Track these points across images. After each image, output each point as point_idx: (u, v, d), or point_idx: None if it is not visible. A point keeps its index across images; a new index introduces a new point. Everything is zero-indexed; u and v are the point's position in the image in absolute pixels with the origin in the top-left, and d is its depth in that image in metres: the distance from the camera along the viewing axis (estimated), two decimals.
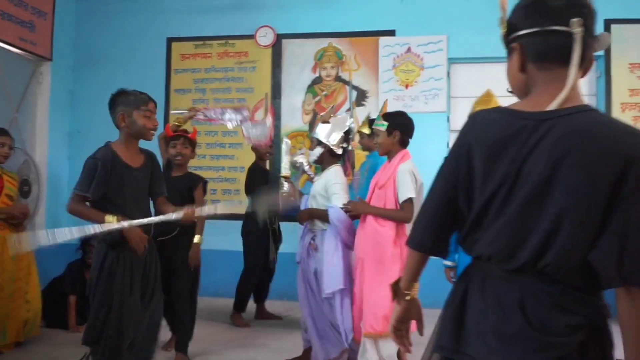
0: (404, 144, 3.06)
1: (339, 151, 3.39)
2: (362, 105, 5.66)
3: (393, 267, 2.80)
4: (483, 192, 1.20)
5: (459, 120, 5.60)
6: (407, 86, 5.60)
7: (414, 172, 2.91)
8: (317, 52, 5.80)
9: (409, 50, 5.60)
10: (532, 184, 1.13)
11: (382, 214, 2.91)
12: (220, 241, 4.93)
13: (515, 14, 1.23)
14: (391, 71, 5.63)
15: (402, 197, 2.85)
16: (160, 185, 2.71)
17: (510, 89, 1.34)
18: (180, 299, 3.49)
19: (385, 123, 2.99)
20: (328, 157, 3.37)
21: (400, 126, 3.02)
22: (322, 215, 3.23)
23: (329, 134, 3.36)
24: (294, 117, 5.80)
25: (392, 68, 5.63)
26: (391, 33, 5.64)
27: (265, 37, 5.81)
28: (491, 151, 1.19)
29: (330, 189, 3.23)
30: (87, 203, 2.50)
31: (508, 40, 1.26)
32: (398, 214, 2.89)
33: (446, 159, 1.35)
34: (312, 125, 5.06)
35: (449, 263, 2.99)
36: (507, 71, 1.32)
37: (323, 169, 3.41)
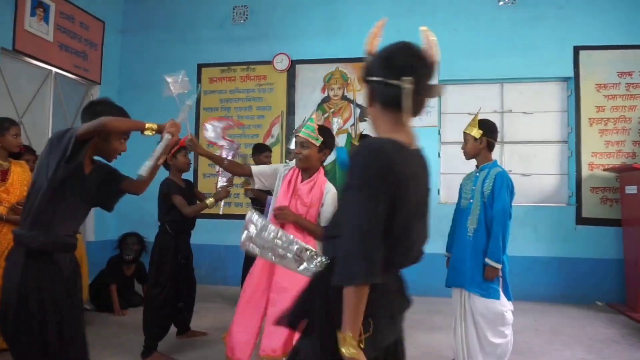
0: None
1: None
2: (365, 120, 5.64)
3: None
4: (414, 214, 1.30)
5: (449, 133, 5.58)
6: None
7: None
8: (326, 75, 5.80)
9: None
10: (425, 204, 1.38)
11: (305, 226, 2.36)
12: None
13: (373, 60, 1.30)
14: None
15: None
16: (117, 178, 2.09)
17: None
18: (194, 286, 3.55)
19: (320, 138, 2.45)
20: None
21: (331, 147, 2.55)
22: (309, 228, 2.99)
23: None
24: None
25: None
26: None
27: (282, 63, 5.83)
28: (413, 179, 1.26)
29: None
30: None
31: (364, 78, 1.31)
32: (318, 230, 2.35)
33: (374, 190, 1.16)
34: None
35: (446, 254, 2.99)
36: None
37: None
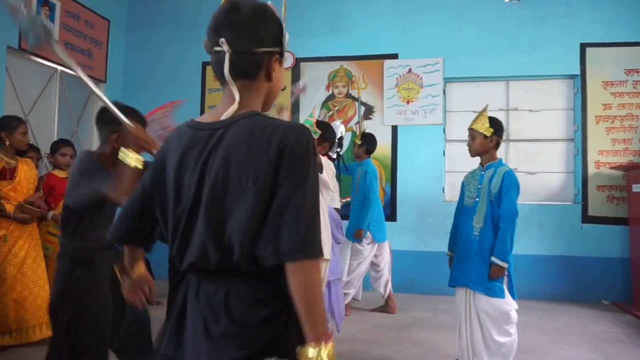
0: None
1: (334, 155, 3.33)
2: (369, 118, 5.65)
3: None
4: (177, 202, 1.09)
5: (454, 131, 5.56)
6: (408, 102, 5.58)
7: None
8: (330, 73, 5.80)
9: (409, 71, 5.58)
10: (211, 187, 1.04)
11: None
12: None
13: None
14: (394, 89, 5.61)
15: None
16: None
17: None
18: None
19: (319, 131, 2.76)
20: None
21: (330, 140, 2.84)
22: None
23: None
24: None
25: (395, 86, 5.61)
26: (394, 56, 5.63)
27: (286, 61, 5.80)
28: (179, 162, 1.09)
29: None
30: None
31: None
32: None
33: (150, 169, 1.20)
34: None
35: (449, 253, 2.95)
36: None
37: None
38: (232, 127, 1.06)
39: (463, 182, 2.94)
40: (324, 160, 2.67)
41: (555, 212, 5.22)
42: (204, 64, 6.02)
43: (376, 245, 4.36)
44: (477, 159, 2.88)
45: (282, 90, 1.21)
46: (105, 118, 2.03)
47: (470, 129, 2.80)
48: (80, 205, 1.95)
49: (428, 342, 3.63)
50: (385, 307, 4.46)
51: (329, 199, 2.72)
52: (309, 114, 2.91)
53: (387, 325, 4.07)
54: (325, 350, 0.95)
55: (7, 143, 3.35)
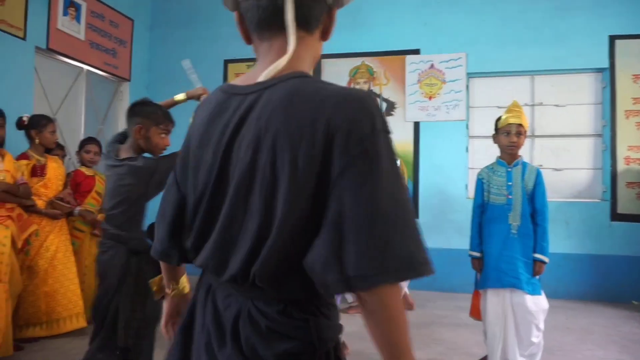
0: None
1: None
2: (391, 115, 5.62)
3: None
4: (195, 186, 0.87)
5: (477, 127, 5.49)
6: (430, 98, 5.52)
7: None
8: (351, 70, 5.79)
9: (432, 66, 5.52)
10: (239, 173, 0.78)
11: None
12: None
13: None
14: (416, 85, 5.56)
15: None
16: None
17: None
18: None
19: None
20: None
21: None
22: None
23: None
24: None
25: (417, 82, 5.56)
26: (416, 52, 5.58)
27: None
28: (202, 137, 0.87)
29: None
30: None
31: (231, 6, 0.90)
32: None
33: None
34: None
35: (475, 254, 2.81)
36: None
37: None
38: (268, 90, 0.79)
39: (480, 179, 2.85)
40: None
41: (582, 210, 5.11)
42: (226, 62, 6.08)
43: None
44: (496, 155, 2.85)
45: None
46: (133, 111, 2.19)
47: (519, 125, 2.71)
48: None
49: (449, 340, 3.60)
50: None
51: None
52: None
53: (408, 322, 4.05)
54: None
55: (37, 141, 3.47)
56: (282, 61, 0.79)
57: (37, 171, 3.49)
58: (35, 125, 3.47)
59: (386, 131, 0.75)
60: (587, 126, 5.31)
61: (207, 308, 0.86)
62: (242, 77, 0.89)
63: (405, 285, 4.45)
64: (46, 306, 3.37)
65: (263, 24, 0.83)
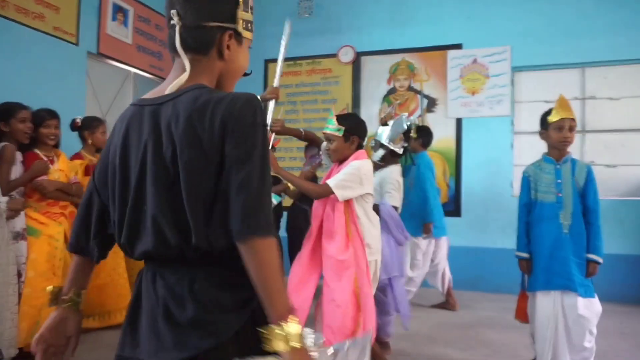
0: (358, 148, 2.55)
1: (400, 150, 3.23)
2: (432, 111, 5.52)
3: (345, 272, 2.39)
4: (123, 187, 1.02)
5: (523, 123, 5.30)
6: (473, 93, 5.38)
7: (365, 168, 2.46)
8: (391, 66, 5.72)
9: (474, 61, 5.38)
10: (157, 168, 0.97)
11: (296, 182, 2.53)
12: None
13: None
14: (458, 80, 5.44)
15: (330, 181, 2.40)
16: None
17: None
18: None
19: (342, 128, 2.47)
20: (389, 157, 3.20)
21: (359, 131, 2.53)
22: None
23: (389, 135, 3.17)
24: (371, 124, 5.71)
25: (459, 78, 5.44)
26: (458, 47, 5.45)
27: (347, 55, 5.83)
28: (123, 144, 1.03)
29: (385, 187, 3.07)
30: None
31: None
32: (309, 185, 2.55)
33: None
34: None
35: (523, 255, 2.68)
36: None
37: (383, 167, 3.21)
38: (175, 100, 0.99)
39: (527, 177, 2.75)
40: (359, 162, 2.43)
41: (638, 208, 4.84)
42: (266, 61, 6.15)
43: (434, 240, 4.26)
44: (542, 151, 2.73)
45: (248, 74, 1.15)
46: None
47: (572, 119, 2.59)
48: None
49: (495, 341, 3.50)
50: (446, 304, 4.37)
51: (372, 200, 2.59)
52: (330, 112, 2.68)
53: (451, 323, 3.97)
54: (289, 329, 0.88)
55: (90, 141, 3.65)
56: (182, 78, 1.02)
57: (90, 170, 3.67)
58: (88, 127, 3.66)
59: (263, 124, 0.98)
60: None
61: (157, 287, 1.00)
62: (150, 92, 1.09)
63: (446, 285, 4.37)
64: (98, 299, 3.53)
65: (170, 48, 1.07)
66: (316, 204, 2.51)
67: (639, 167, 5.03)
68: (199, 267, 0.98)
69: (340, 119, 2.49)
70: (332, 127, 2.47)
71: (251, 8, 1.09)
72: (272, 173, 2.41)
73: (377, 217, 2.63)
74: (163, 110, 0.99)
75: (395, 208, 3.07)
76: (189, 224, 0.94)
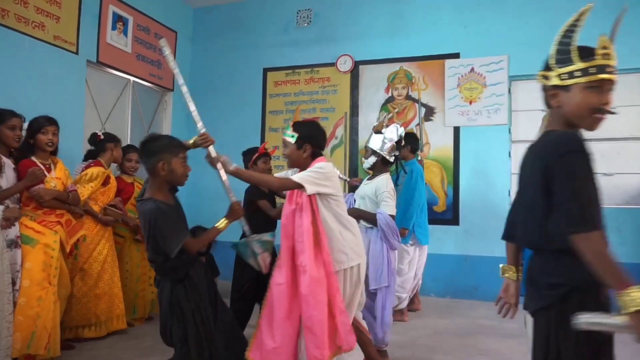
0: (314, 156, 2.49)
1: (391, 159, 3.24)
2: (430, 120, 5.53)
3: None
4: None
5: (520, 131, 5.31)
6: (470, 102, 5.40)
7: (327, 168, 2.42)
8: (389, 75, 5.74)
9: (472, 70, 5.40)
10: (520, 183, 1.57)
11: (256, 178, 2.55)
12: None
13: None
14: (456, 89, 5.45)
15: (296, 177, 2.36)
16: None
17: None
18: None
19: (295, 134, 2.46)
20: (380, 165, 3.21)
21: (312, 139, 2.47)
22: (369, 217, 3.09)
23: (381, 143, 3.20)
24: (369, 132, 5.75)
25: (456, 87, 5.45)
26: (456, 56, 5.47)
27: (345, 64, 5.85)
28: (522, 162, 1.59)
29: (380, 196, 3.06)
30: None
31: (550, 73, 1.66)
32: (270, 178, 2.60)
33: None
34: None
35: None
36: None
37: (374, 176, 3.23)
38: (537, 141, 1.52)
39: None
40: (321, 162, 2.41)
41: (636, 217, 4.83)
42: (265, 70, 6.17)
43: (421, 247, 4.40)
44: None
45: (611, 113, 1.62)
46: (149, 149, 2.22)
47: None
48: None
49: (494, 350, 3.48)
50: (410, 305, 4.52)
51: (343, 203, 2.51)
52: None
53: (449, 331, 3.95)
54: (622, 297, 1.21)
55: (112, 153, 3.85)
56: (544, 124, 1.60)
57: (106, 180, 3.77)
58: (113, 139, 3.87)
59: (571, 151, 1.40)
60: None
61: (531, 262, 1.55)
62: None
63: (418, 286, 4.51)
64: (95, 308, 3.52)
65: (546, 105, 1.69)
66: (284, 221, 2.41)
67: (636, 176, 5.03)
68: (538, 255, 1.46)
69: (297, 126, 2.50)
70: (289, 132, 2.49)
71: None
72: (226, 174, 2.39)
73: (353, 220, 2.56)
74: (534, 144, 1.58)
75: (393, 217, 3.06)
76: (533, 224, 1.46)
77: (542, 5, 5.18)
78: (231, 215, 2.37)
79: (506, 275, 1.73)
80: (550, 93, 1.48)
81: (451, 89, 5.46)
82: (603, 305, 1.30)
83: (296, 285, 2.31)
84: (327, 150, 5.84)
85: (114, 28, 5.06)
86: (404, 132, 4.22)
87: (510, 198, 5.20)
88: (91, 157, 3.81)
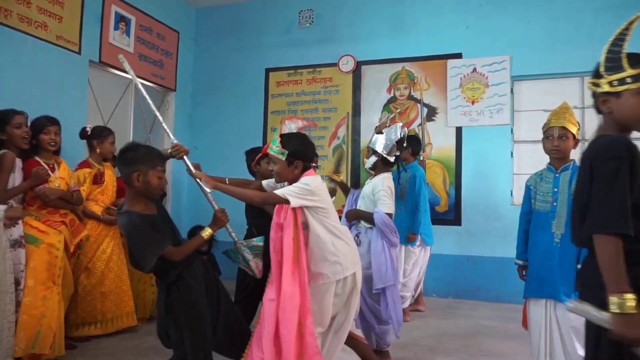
0: (304, 169, 2.37)
1: (392, 159, 3.22)
2: (432, 120, 5.52)
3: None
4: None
5: (523, 132, 5.31)
6: (473, 102, 5.39)
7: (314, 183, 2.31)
8: (391, 75, 5.74)
9: (474, 70, 5.39)
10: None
11: (237, 193, 2.38)
12: None
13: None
14: (458, 89, 5.45)
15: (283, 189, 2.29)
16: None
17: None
18: None
19: (285, 151, 2.30)
20: (381, 165, 3.19)
21: (303, 155, 2.35)
22: (367, 217, 3.08)
23: (382, 143, 3.19)
24: (371, 132, 5.74)
25: (459, 87, 5.44)
26: (458, 56, 5.47)
27: (347, 65, 5.85)
28: None
29: (377, 195, 3.05)
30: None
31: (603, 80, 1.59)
32: (251, 192, 2.44)
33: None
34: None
35: (519, 262, 2.73)
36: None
37: (375, 176, 3.21)
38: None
39: (528, 186, 2.74)
40: (307, 177, 2.31)
41: None
42: (267, 70, 6.17)
43: (425, 248, 4.46)
44: (545, 160, 2.72)
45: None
46: (126, 158, 2.21)
47: (561, 127, 2.54)
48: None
49: (496, 351, 3.47)
50: (415, 305, 4.57)
51: (334, 214, 2.43)
52: (276, 132, 2.53)
53: (451, 332, 3.94)
54: (612, 297, 1.29)
55: (98, 151, 3.70)
56: (597, 126, 1.67)
57: (98, 179, 3.70)
58: (98, 136, 3.71)
59: (607, 158, 1.41)
60: None
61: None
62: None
63: (418, 290, 4.54)
64: (102, 306, 3.54)
65: (597, 110, 1.72)
66: (272, 235, 2.31)
67: None
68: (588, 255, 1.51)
69: (285, 141, 2.33)
70: (276, 148, 2.32)
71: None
72: (210, 189, 2.38)
73: (345, 229, 2.52)
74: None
75: (390, 215, 3.05)
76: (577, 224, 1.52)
77: (544, 6, 5.17)
78: (215, 224, 2.34)
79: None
80: (601, 100, 1.54)
81: (453, 89, 5.45)
82: None
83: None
84: (328, 151, 5.85)
85: (116, 28, 5.07)
86: (406, 134, 4.23)
87: (513, 198, 5.19)
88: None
